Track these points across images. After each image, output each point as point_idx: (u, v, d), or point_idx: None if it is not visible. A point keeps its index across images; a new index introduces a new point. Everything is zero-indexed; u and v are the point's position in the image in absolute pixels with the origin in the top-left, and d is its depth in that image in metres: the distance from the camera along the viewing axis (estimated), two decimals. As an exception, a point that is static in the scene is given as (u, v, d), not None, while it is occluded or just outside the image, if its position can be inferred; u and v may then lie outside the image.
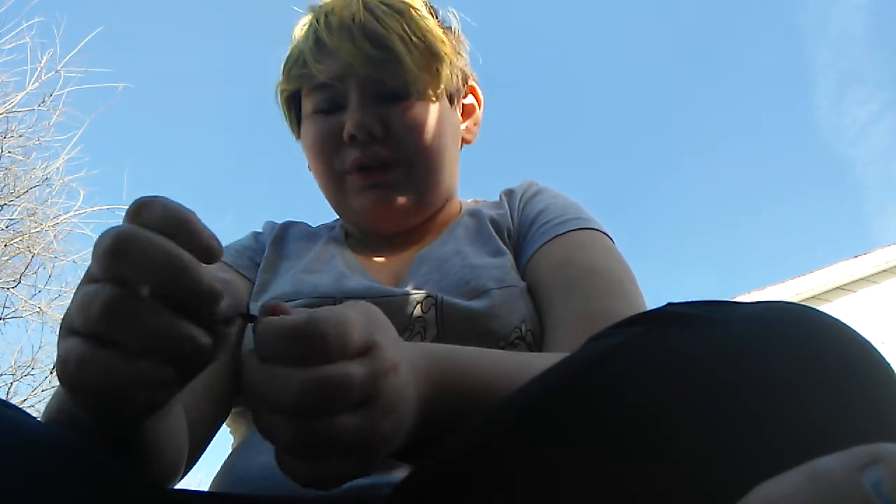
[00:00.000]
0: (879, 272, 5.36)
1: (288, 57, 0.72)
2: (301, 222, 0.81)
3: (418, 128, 0.68)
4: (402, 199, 0.69)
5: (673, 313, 0.35)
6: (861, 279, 5.34)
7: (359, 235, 0.76)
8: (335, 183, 0.71)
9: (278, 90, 0.75)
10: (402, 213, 0.70)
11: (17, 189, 5.90)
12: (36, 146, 5.98)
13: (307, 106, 0.72)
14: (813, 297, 5.14)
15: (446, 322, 0.59)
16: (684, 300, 0.38)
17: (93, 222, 6.08)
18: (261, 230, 0.79)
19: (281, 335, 0.32)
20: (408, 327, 0.59)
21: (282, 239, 0.75)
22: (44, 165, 6.01)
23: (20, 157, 5.94)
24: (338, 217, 0.80)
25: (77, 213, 6.00)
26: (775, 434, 0.29)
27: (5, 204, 5.83)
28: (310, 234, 0.77)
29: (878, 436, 0.28)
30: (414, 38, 0.67)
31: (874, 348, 0.34)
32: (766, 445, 0.29)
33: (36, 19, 5.68)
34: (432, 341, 0.59)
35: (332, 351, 0.31)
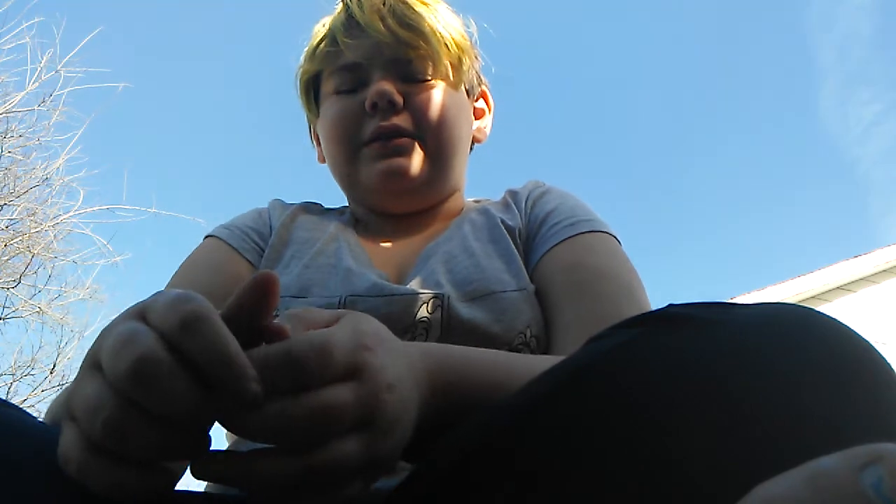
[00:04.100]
0: (879, 272, 5.35)
1: (313, 39, 0.75)
2: (314, 204, 0.80)
3: (436, 106, 0.70)
4: (414, 172, 0.69)
5: (673, 314, 0.35)
6: (861, 279, 5.34)
7: (367, 219, 0.76)
8: (350, 156, 0.71)
9: (299, 74, 0.77)
10: (411, 187, 0.70)
11: (17, 189, 5.90)
12: (36, 146, 5.98)
13: (328, 86, 0.74)
14: (813, 297, 5.14)
15: (451, 324, 0.59)
16: (685, 301, 0.38)
17: (93, 222, 6.08)
18: (266, 206, 0.78)
19: (261, 369, 0.30)
20: (410, 328, 0.59)
21: (291, 225, 0.74)
22: (44, 165, 6.01)
23: (20, 157, 5.94)
24: (346, 205, 0.80)
25: (77, 213, 6.00)
26: (775, 434, 0.29)
27: (5, 204, 5.83)
28: (319, 219, 0.76)
29: (878, 436, 0.28)
30: (440, 26, 0.71)
31: (874, 349, 0.34)
32: (765, 446, 0.29)
33: (36, 19, 5.68)
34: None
35: (314, 378, 0.30)
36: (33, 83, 5.78)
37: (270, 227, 0.74)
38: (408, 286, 0.62)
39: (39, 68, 5.76)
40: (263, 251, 0.71)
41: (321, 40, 0.74)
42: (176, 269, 0.71)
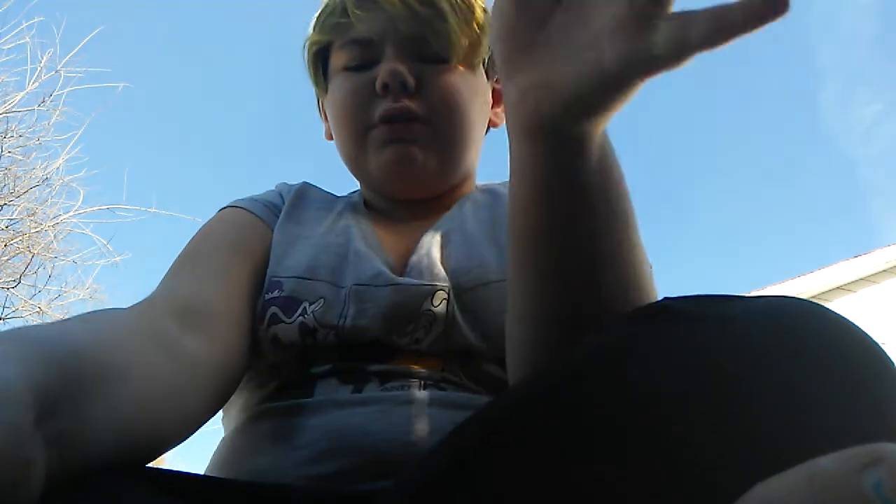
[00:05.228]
0: (879, 272, 5.36)
1: (323, 8, 0.70)
2: (318, 187, 0.77)
3: (452, 90, 0.66)
4: (424, 159, 0.66)
5: (670, 308, 0.34)
6: (861, 279, 5.35)
7: (376, 202, 0.74)
8: (358, 138, 0.67)
9: (307, 45, 0.72)
10: (421, 175, 0.67)
11: (17, 189, 5.90)
12: (36, 146, 5.98)
13: (338, 60, 0.69)
14: (813, 297, 5.14)
15: (456, 318, 0.57)
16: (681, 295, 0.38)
17: (93, 222, 6.07)
18: (279, 191, 0.75)
19: None
20: (414, 319, 0.57)
21: (299, 202, 0.72)
22: (44, 165, 6.00)
23: (20, 157, 5.94)
24: (354, 190, 0.78)
25: (77, 213, 6.00)
26: (775, 433, 0.29)
27: (5, 204, 5.83)
28: (327, 200, 0.74)
29: (880, 437, 0.27)
30: (459, 2, 0.67)
31: (878, 346, 0.34)
32: (765, 444, 0.28)
33: (36, 19, 5.68)
34: (437, 337, 0.57)
35: None
36: (33, 83, 5.78)
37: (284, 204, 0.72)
38: (412, 274, 0.61)
39: (39, 68, 5.77)
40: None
41: (331, 10, 0.69)
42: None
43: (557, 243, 0.41)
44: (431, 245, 0.64)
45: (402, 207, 0.71)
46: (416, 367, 0.56)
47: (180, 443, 0.46)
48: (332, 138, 0.75)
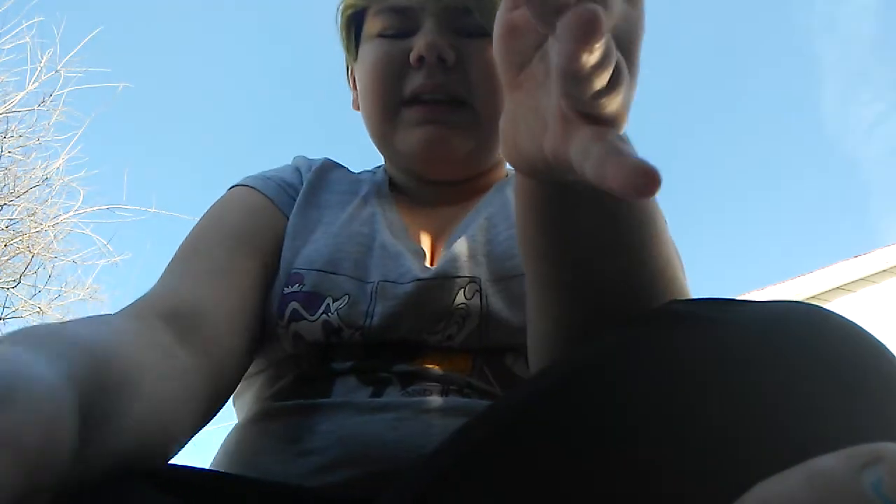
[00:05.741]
0: (879, 272, 5.34)
1: None
2: (341, 165, 0.72)
3: (493, 68, 0.59)
4: (459, 143, 0.62)
5: (676, 313, 0.34)
6: (861, 279, 5.33)
7: (403, 182, 0.69)
8: (388, 113, 0.63)
9: (340, 8, 0.68)
10: (455, 159, 0.63)
11: (17, 189, 5.89)
12: (36, 146, 5.96)
13: (372, 27, 0.65)
14: (813, 297, 5.13)
15: (491, 311, 0.54)
16: (687, 298, 0.38)
17: (93, 222, 6.06)
18: (296, 166, 0.70)
19: None
20: (445, 316, 0.55)
21: (320, 183, 0.67)
22: (44, 165, 5.99)
23: (20, 157, 5.93)
24: (378, 165, 0.74)
25: (77, 213, 5.98)
26: (776, 434, 0.29)
27: (5, 204, 5.82)
28: (351, 182, 0.69)
29: (883, 439, 0.27)
30: None
31: (886, 350, 0.34)
32: (766, 446, 0.28)
33: (36, 19, 5.67)
34: (470, 333, 0.55)
35: None
36: (33, 83, 5.77)
37: (301, 184, 0.67)
38: (444, 267, 0.57)
39: (39, 68, 5.75)
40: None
41: None
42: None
43: (556, 264, 0.40)
44: (470, 231, 0.61)
45: (431, 189, 0.68)
46: (441, 370, 0.54)
47: (176, 452, 0.44)
48: (359, 108, 0.71)
